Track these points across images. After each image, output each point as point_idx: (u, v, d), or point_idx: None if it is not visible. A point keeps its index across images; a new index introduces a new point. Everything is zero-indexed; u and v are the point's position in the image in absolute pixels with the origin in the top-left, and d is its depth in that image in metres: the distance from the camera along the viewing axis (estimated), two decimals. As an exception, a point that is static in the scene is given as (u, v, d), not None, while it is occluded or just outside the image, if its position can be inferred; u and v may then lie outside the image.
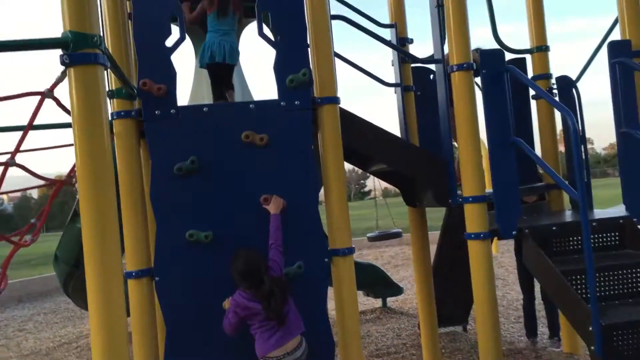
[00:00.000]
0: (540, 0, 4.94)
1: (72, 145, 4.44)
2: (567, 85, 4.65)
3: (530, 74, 4.94)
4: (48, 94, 2.45)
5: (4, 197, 47.44)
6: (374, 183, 14.93)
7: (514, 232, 3.84)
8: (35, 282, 12.65)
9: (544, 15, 4.96)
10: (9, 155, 2.87)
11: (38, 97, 2.49)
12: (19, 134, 2.88)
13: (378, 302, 8.11)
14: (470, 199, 3.82)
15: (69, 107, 2.52)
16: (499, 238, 3.95)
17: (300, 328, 3.29)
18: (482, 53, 3.84)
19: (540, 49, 4.92)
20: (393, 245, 14.90)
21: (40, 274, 13.59)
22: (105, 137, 2.35)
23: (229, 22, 3.91)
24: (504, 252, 11.73)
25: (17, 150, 2.78)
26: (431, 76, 5.00)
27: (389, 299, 8.11)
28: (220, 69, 4.13)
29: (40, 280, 12.77)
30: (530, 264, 3.85)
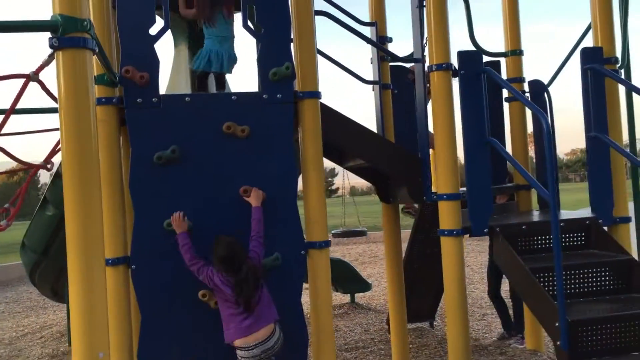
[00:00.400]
0: (515, 5, 5.07)
1: (49, 130, 4.39)
2: (539, 89, 4.79)
3: (504, 76, 5.06)
4: (33, 77, 2.42)
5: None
6: (342, 181, 15.05)
7: (485, 230, 3.95)
8: (-4, 271, 12.38)
9: (519, 20, 5.10)
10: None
11: (22, 80, 2.46)
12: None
13: (346, 298, 8.19)
14: (445, 197, 3.91)
15: (53, 91, 2.50)
16: (470, 235, 4.05)
17: (273, 316, 3.34)
18: (461, 54, 3.93)
19: (515, 52, 5.05)
20: (360, 243, 15.05)
21: (1, 263, 13.29)
22: (92, 122, 2.34)
23: (223, 27, 3.91)
24: (469, 252, 11.95)
25: (-2, 132, 2.74)
26: (409, 75, 5.08)
27: (357, 295, 8.20)
28: (213, 76, 4.13)
29: (2, 269, 12.49)
30: (500, 261, 3.96)
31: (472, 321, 6.49)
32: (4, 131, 2.82)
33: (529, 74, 5.05)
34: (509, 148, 5.04)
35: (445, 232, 3.91)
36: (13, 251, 12.28)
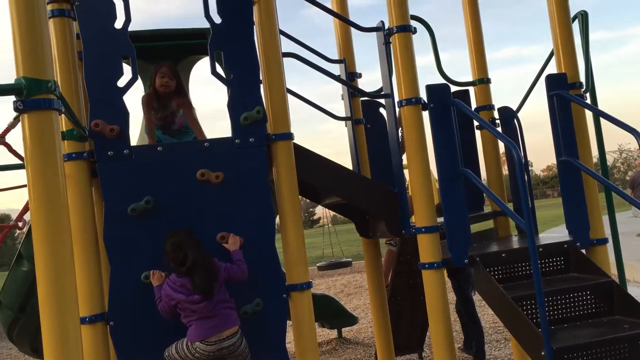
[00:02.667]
0: (480, 34, 5.16)
1: (19, 187, 4.33)
2: (509, 115, 4.86)
3: (473, 104, 5.13)
4: (-1, 140, 2.40)
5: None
6: (323, 211, 15.00)
7: (465, 261, 3.94)
8: (-27, 328, 12.00)
9: (484, 49, 5.18)
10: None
11: (-12, 143, 2.43)
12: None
13: (333, 333, 8.10)
14: (423, 230, 3.91)
15: (20, 151, 2.47)
16: (450, 267, 4.04)
17: (233, 323, 3.34)
18: (429, 88, 3.97)
19: (482, 81, 5.11)
20: (345, 274, 14.94)
21: (-21, 319, 12.89)
22: (61, 182, 2.31)
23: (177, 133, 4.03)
24: (453, 276, 11.93)
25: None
26: (380, 109, 5.12)
27: (343, 329, 8.11)
28: None
29: (-21, 325, 12.11)
30: (482, 291, 3.95)
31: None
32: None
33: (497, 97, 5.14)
34: (483, 173, 5.09)
35: (426, 265, 3.90)
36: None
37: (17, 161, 3.27)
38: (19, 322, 5.77)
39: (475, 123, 5.05)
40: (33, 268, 5.53)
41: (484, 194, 5.16)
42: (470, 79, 5.16)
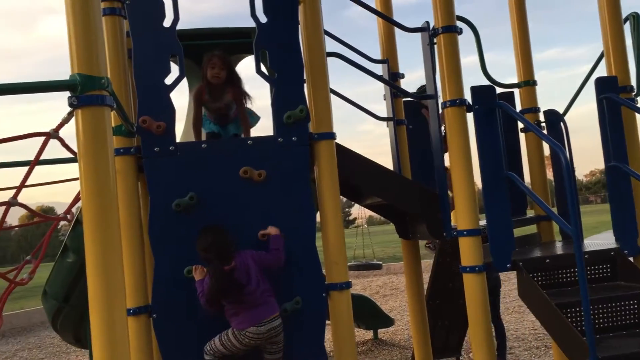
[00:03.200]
0: (527, 36, 5.07)
1: (70, 180, 4.45)
2: (555, 118, 4.76)
3: (518, 107, 5.04)
4: (53, 134, 2.46)
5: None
6: (359, 211, 14.97)
7: (508, 265, 3.88)
8: (19, 317, 12.40)
9: (530, 51, 5.09)
10: (10, 193, 2.86)
11: (42, 137, 2.50)
12: (19, 169, 2.88)
13: (369, 334, 8.08)
14: (465, 233, 3.86)
15: (72, 146, 2.54)
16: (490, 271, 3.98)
17: (276, 308, 3.41)
18: (474, 90, 3.92)
19: (528, 83, 5.02)
20: (381, 275, 14.91)
21: (23, 308, 13.32)
22: (112, 176, 2.36)
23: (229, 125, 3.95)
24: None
25: (20, 189, 2.77)
26: (423, 110, 5.07)
27: (379, 330, 8.09)
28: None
29: (24, 315, 12.52)
30: (524, 296, 3.88)
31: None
32: (27, 183, 2.86)
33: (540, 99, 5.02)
34: (526, 176, 5.00)
35: (467, 269, 3.85)
36: (34, 295, 12.33)
37: (68, 155, 3.34)
38: (63, 311, 5.93)
39: (520, 126, 4.97)
40: (78, 259, 5.70)
41: (527, 198, 5.07)
42: (509, 80, 5.09)
